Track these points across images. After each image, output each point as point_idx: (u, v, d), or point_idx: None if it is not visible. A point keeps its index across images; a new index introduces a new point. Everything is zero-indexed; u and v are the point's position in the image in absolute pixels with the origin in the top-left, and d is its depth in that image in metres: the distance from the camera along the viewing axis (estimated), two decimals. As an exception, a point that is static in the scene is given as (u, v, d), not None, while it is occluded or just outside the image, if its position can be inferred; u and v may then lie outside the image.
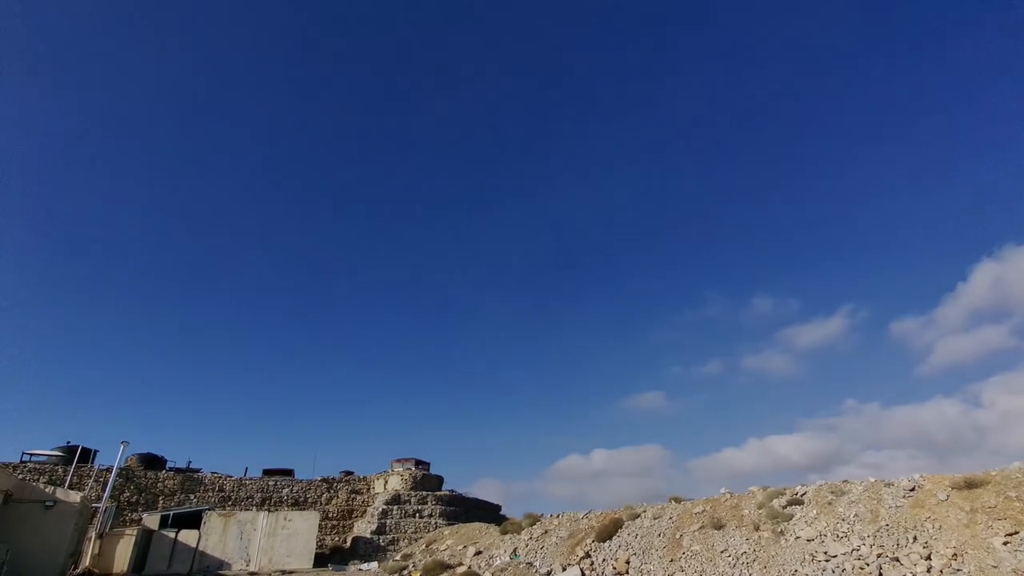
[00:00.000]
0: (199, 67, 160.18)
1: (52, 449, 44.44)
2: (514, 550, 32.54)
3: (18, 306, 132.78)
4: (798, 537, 22.33)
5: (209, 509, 37.54)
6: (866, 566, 19.77)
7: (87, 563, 32.99)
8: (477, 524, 40.86)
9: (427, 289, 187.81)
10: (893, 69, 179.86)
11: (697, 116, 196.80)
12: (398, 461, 50.28)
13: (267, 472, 48.70)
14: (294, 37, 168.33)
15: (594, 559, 27.36)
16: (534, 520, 35.46)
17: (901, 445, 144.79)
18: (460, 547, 36.54)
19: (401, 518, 44.56)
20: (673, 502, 30.22)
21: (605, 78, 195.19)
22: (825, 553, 20.85)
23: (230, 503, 44.45)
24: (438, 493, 48.12)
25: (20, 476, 36.74)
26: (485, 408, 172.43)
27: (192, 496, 44.03)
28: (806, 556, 21.14)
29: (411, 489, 47.20)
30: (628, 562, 25.64)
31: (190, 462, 48.78)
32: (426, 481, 48.89)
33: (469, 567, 32.17)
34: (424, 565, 32.78)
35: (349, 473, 52.23)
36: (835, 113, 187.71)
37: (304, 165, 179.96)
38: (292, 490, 47.34)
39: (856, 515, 22.29)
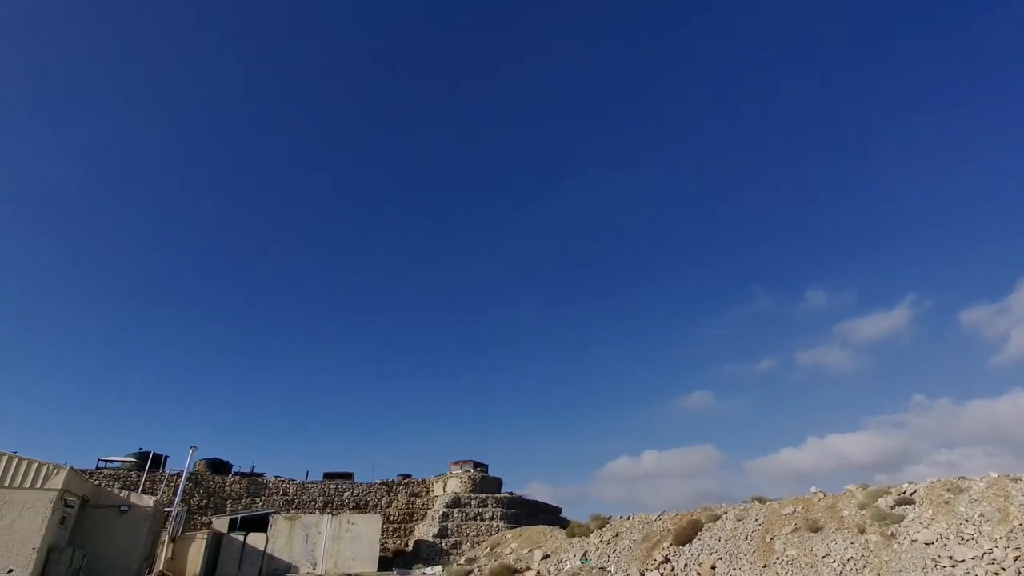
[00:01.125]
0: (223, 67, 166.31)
1: (126, 455, 45.95)
2: (584, 554, 31.00)
3: (94, 317, 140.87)
4: (913, 540, 19.88)
5: (275, 512, 37.70)
6: (1002, 571, 17.25)
7: (161, 566, 33.52)
8: (541, 527, 39.48)
9: (472, 291, 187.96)
10: (954, 44, 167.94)
11: (736, 101, 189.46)
12: (456, 463, 49.55)
13: (328, 476, 48.91)
14: (336, 41, 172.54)
15: (674, 564, 25.50)
16: (602, 522, 33.81)
17: (976, 442, 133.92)
18: (525, 551, 35.28)
19: (462, 521, 43.68)
20: (757, 502, 27.97)
21: (635, 69, 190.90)
22: (950, 558, 18.39)
23: (293, 506, 44.74)
24: (498, 495, 47.03)
25: (96, 482, 37.86)
26: (533, 410, 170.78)
27: (257, 500, 44.56)
28: (927, 561, 18.72)
29: (470, 492, 46.30)
30: (714, 567, 23.68)
31: (253, 467, 49.62)
32: (485, 483, 47.91)
33: (538, 572, 30.85)
34: (491, 570, 31.68)
35: (407, 476, 51.89)
36: (893, 86, 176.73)
37: (350, 172, 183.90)
38: (353, 493, 47.30)
39: (982, 515, 19.66)
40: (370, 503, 47.28)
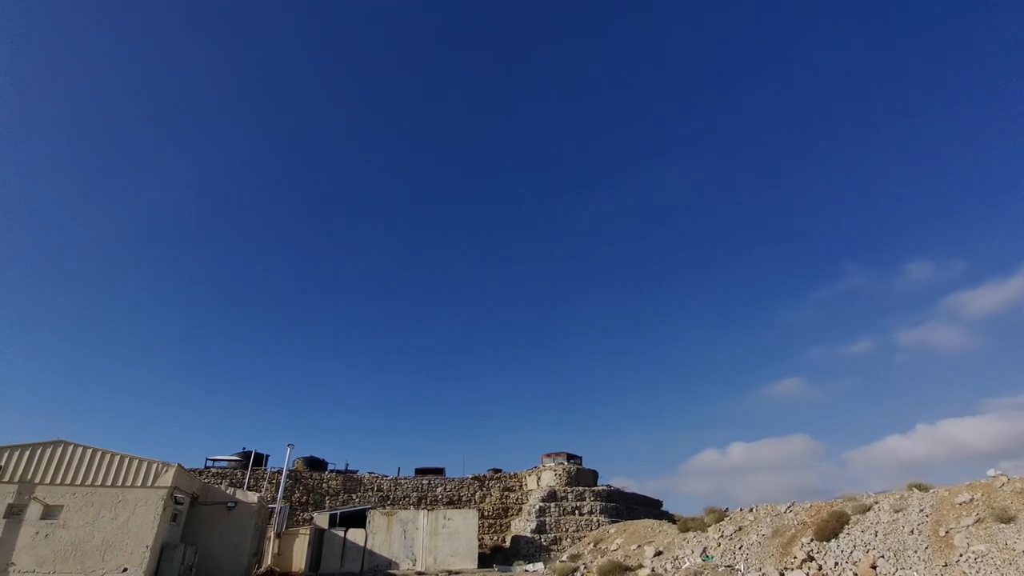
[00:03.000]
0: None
1: (231, 455, 47.67)
2: (703, 550, 27.91)
3: (197, 322, 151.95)
4: None
5: (371, 508, 37.31)
6: None
7: (269, 562, 33.87)
8: (647, 521, 36.55)
9: (544, 282, 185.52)
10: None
11: (823, 51, 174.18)
12: (548, 456, 47.54)
13: (419, 471, 48.48)
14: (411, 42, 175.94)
15: (821, 562, 21.94)
16: (720, 515, 30.48)
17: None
18: (634, 547, 32.59)
19: (560, 515, 41.57)
20: (916, 490, 23.71)
21: (711, 43, 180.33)
22: None
23: (388, 502, 44.52)
24: (595, 488, 44.55)
25: (205, 480, 39.01)
26: (614, 403, 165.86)
27: (354, 496, 44.72)
28: None
29: (566, 485, 44.13)
30: (874, 567, 19.98)
31: (347, 464, 50.16)
32: (581, 476, 45.57)
33: (653, 570, 28.11)
34: (599, 567, 29.28)
35: (498, 470, 50.56)
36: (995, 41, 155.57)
37: (427, 171, 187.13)
38: (445, 489, 46.49)
39: None
40: (463, 498, 46.27)
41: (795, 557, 22.83)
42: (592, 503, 42.61)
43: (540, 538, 39.67)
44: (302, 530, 35.82)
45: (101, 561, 23.18)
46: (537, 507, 41.71)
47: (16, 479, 23.78)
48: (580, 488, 43.80)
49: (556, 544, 39.34)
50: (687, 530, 31.21)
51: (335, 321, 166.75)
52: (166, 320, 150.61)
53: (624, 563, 29.95)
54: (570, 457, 46.97)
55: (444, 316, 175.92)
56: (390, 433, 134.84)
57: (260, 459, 47.12)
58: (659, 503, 52.08)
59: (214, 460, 46.22)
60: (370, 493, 45.32)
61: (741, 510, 30.07)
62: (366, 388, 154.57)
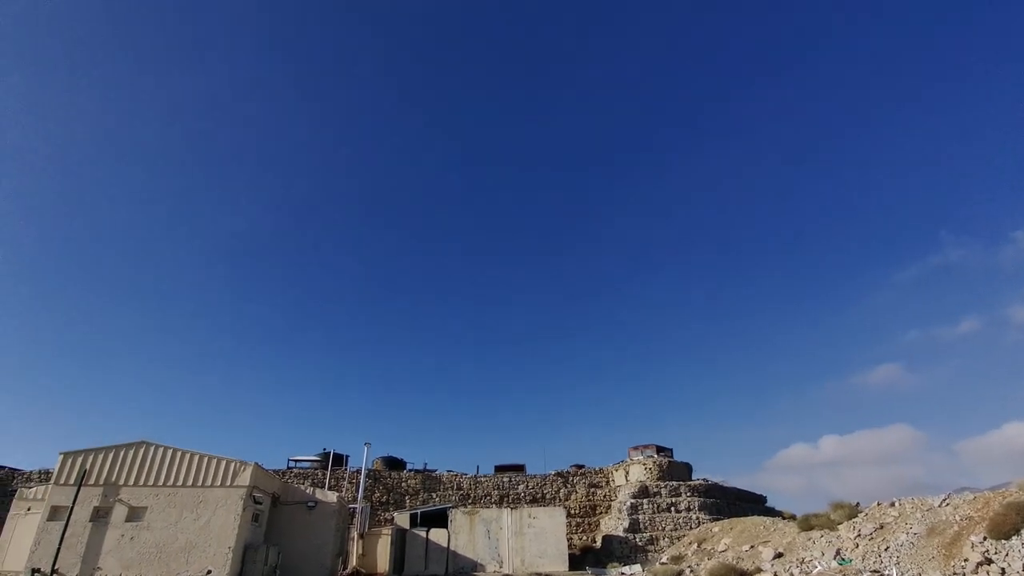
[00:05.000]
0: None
1: (312, 455, 47.69)
2: (836, 552, 23.86)
3: (278, 327, 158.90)
4: None
5: (452, 507, 35.58)
6: None
7: (354, 563, 32.89)
8: (757, 519, 32.56)
9: (618, 270, 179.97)
10: None
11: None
12: (636, 449, 44.17)
13: (499, 468, 46.51)
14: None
15: (1003, 565, 17.61)
16: (851, 511, 26.15)
17: None
18: (745, 548, 28.83)
19: (654, 513, 38.17)
20: None
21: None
22: None
23: (469, 501, 42.79)
24: (691, 483, 40.73)
25: (288, 480, 38.77)
26: (690, 396, 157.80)
27: (434, 495, 43.35)
28: None
29: (658, 479, 40.63)
30: (1090, 573, 15.56)
31: (425, 463, 49.04)
32: (673, 470, 41.88)
33: (775, 574, 24.39)
34: (710, 570, 25.83)
35: (580, 466, 47.71)
36: None
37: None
38: (527, 486, 44.21)
39: None
40: (547, 496, 43.79)
41: (966, 560, 18.56)
42: (689, 499, 38.88)
43: (634, 538, 36.45)
44: (384, 530, 34.66)
45: (185, 564, 22.55)
46: (628, 504, 38.52)
47: (101, 482, 23.65)
48: (674, 483, 40.16)
49: (652, 544, 36.01)
50: (810, 528, 27.17)
51: (408, 319, 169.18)
52: (249, 326, 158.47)
53: (737, 566, 26.35)
54: (660, 450, 43.38)
55: (516, 308, 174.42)
56: (466, 431, 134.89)
57: (340, 459, 46.83)
58: (763, 499, 47.35)
59: (296, 461, 46.33)
60: (450, 492, 43.80)
61: (879, 504, 25.63)
62: (441, 386, 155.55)
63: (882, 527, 23.59)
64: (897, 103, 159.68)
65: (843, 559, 22.99)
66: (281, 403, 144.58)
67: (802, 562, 24.46)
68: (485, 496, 43.53)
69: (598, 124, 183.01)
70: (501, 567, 32.45)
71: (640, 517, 37.76)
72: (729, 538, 31.20)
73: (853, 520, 25.34)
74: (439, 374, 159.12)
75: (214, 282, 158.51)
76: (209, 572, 22.28)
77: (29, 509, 25.98)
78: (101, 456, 24.05)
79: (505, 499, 43.34)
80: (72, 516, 22.49)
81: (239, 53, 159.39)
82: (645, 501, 38.77)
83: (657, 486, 39.79)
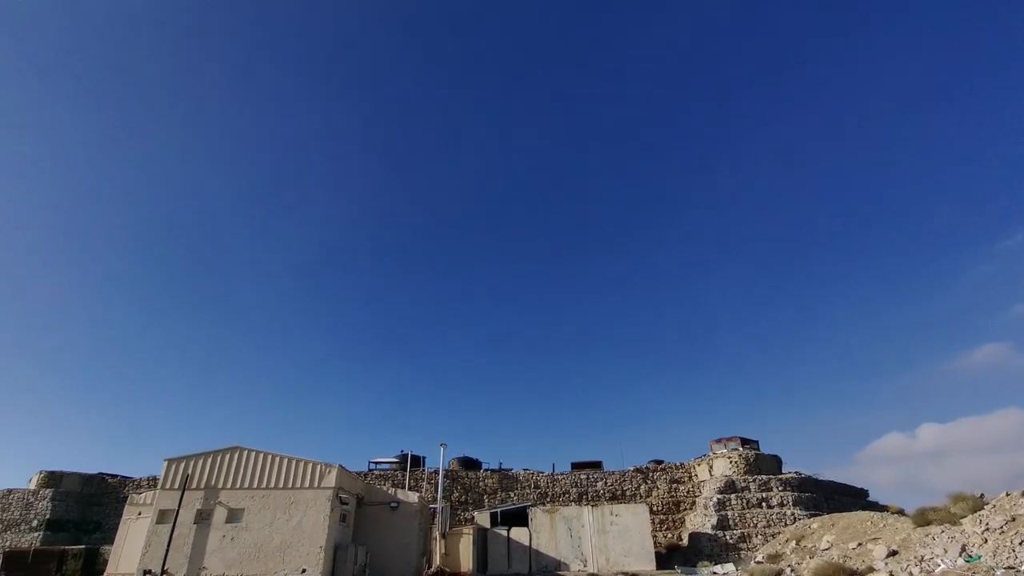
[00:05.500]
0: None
1: (391, 457, 48.86)
2: (962, 549, 21.47)
3: (363, 337, 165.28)
4: None
5: (531, 506, 35.24)
6: None
7: (438, 562, 33.21)
8: (862, 514, 30.07)
9: (690, 257, 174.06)
10: None
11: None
12: (719, 442, 42.12)
13: (575, 466, 45.75)
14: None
15: None
16: (976, 503, 23.51)
17: None
18: (852, 545, 26.62)
19: (743, 509, 36.18)
20: None
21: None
22: None
23: (547, 499, 42.32)
24: (782, 476, 38.33)
25: (369, 482, 39.75)
26: (770, 384, 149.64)
27: (511, 494, 43.21)
28: None
29: (745, 474, 38.51)
30: None
31: (500, 463, 49.04)
32: (761, 463, 39.58)
33: (891, 574, 22.28)
34: (814, 570, 24.00)
35: (660, 461, 46.14)
36: None
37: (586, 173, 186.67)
38: (606, 483, 43.20)
39: None
40: (626, 492, 42.60)
41: None
42: (781, 494, 36.56)
43: (724, 535, 34.68)
44: (464, 530, 34.81)
45: (281, 562, 23.40)
46: (714, 500, 36.72)
47: (202, 485, 24.98)
48: (763, 477, 37.91)
49: (744, 542, 34.11)
50: (927, 523, 24.69)
51: (469, 322, 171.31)
52: (329, 332, 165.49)
53: (845, 565, 24.35)
54: (744, 442, 41.12)
55: (579, 303, 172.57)
56: (539, 429, 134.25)
57: (417, 460, 47.67)
58: (864, 492, 43.93)
59: (376, 463, 47.57)
60: (527, 490, 43.51)
61: (1009, 494, 22.90)
62: (511, 385, 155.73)
63: (1014, 519, 21.00)
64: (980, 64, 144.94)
65: (970, 556, 20.64)
66: (360, 407, 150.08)
67: (921, 560, 22.21)
68: (563, 494, 42.92)
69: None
70: (585, 566, 31.75)
71: (728, 513, 35.88)
72: (831, 535, 28.96)
73: (978, 513, 22.76)
74: (508, 372, 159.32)
75: (294, 295, 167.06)
76: (304, 571, 23.01)
77: (139, 514, 27.91)
78: (201, 461, 25.43)
79: (584, 496, 42.55)
80: (178, 519, 23.88)
81: (291, 65, 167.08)
82: (733, 496, 36.81)
83: (745, 480, 37.70)
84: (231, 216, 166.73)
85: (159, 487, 25.20)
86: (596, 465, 45.25)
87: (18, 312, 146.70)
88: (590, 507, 33.47)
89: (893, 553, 23.87)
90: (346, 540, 26.89)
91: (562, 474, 44.38)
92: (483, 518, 34.46)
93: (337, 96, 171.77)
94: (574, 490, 43.01)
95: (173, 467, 25.32)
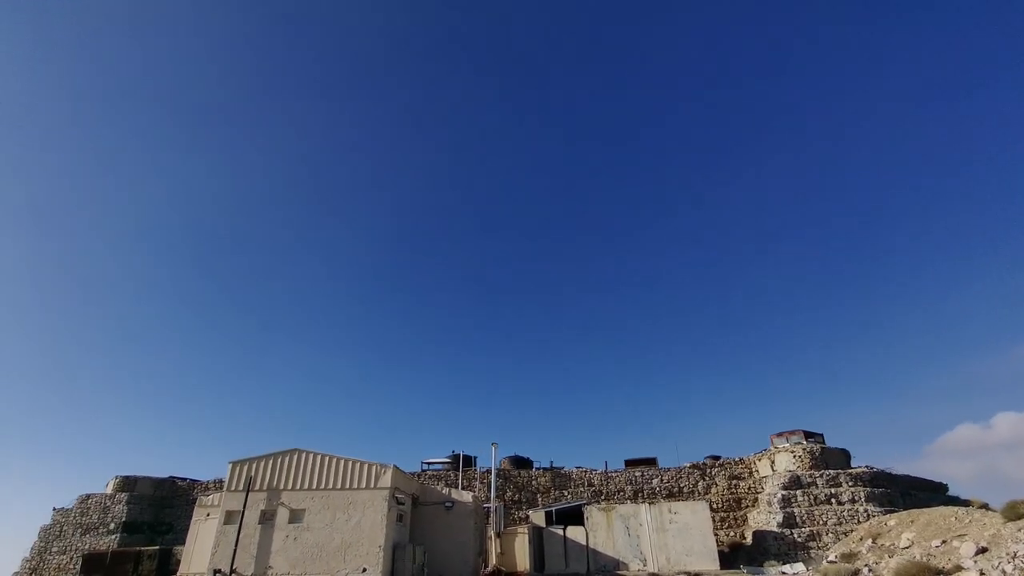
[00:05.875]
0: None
1: (443, 457, 49.19)
2: (1066, 546, 19.63)
3: (416, 339, 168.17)
4: None
5: (587, 504, 34.65)
6: None
7: (494, 561, 33.10)
8: (945, 509, 28.08)
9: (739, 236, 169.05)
10: None
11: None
12: (780, 436, 40.34)
13: (629, 463, 44.78)
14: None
15: None
16: (1080, 496, 21.52)
17: None
18: (936, 543, 24.83)
19: (811, 505, 34.47)
20: None
21: None
22: None
23: (602, 497, 41.58)
24: (852, 471, 36.31)
25: (422, 482, 40.08)
26: (836, 377, 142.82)
27: (565, 492, 42.69)
28: None
29: (811, 468, 36.68)
30: None
31: (552, 462, 48.59)
32: (828, 457, 37.61)
33: (982, 572, 20.61)
34: (897, 569, 22.49)
35: (716, 457, 44.61)
36: None
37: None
38: (662, 480, 42.08)
39: None
40: (683, 489, 41.37)
41: None
42: (852, 489, 34.64)
43: (791, 533, 33.12)
44: (519, 529, 34.58)
45: (343, 562, 23.74)
46: (779, 496, 35.13)
47: (265, 487, 25.64)
48: (831, 472, 36.01)
49: (814, 540, 32.48)
50: (1019, 517, 22.77)
51: (517, 322, 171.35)
52: (380, 336, 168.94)
53: (929, 564, 22.71)
54: (808, 435, 39.19)
55: (626, 298, 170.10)
56: (589, 427, 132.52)
57: (469, 460, 47.81)
58: (943, 486, 41.19)
59: (428, 463, 47.97)
60: (580, 488, 42.90)
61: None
62: (560, 384, 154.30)
63: None
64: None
65: (1079, 555, 18.82)
66: (410, 409, 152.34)
67: (1014, 557, 20.45)
68: (618, 492, 42.08)
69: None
70: (645, 565, 30.92)
71: (795, 510, 34.24)
72: (911, 532, 27.15)
73: (1084, 507, 20.80)
74: (555, 371, 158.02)
75: (344, 301, 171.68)
76: (365, 570, 23.26)
77: (208, 515, 28.96)
78: (262, 464, 26.12)
79: (639, 494, 41.58)
80: (243, 519, 24.59)
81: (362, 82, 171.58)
82: (799, 492, 35.12)
83: (811, 476, 35.90)
84: (284, 227, 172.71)
85: (225, 489, 26.00)
86: (650, 462, 44.17)
87: (90, 326, 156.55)
88: (647, 505, 32.59)
89: (983, 550, 22.11)
90: (404, 540, 27.09)
91: (615, 471, 43.53)
92: (538, 517, 34.10)
93: (375, 99, 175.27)
94: (629, 488, 42.10)
95: (237, 469, 26.10)
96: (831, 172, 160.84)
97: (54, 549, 42.60)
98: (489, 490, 38.65)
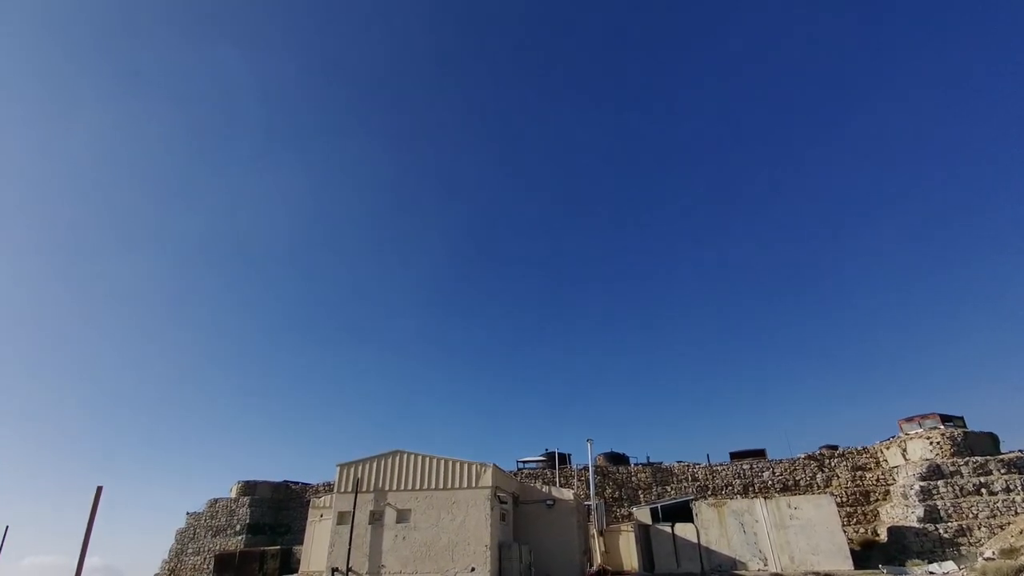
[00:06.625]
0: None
1: (537, 456, 48.82)
2: None
3: (506, 336, 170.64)
4: None
5: (694, 500, 32.80)
6: None
7: (599, 560, 32.16)
8: None
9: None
10: None
11: None
12: (911, 420, 36.22)
13: (735, 455, 42.13)
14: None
15: None
16: None
17: None
18: None
19: (956, 497, 30.58)
20: None
21: None
22: None
23: (708, 492, 39.36)
24: (1002, 457, 31.87)
25: (519, 480, 39.81)
26: (969, 350, 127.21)
27: (667, 488, 40.87)
28: None
29: (952, 456, 32.58)
30: None
31: (649, 457, 46.83)
32: (973, 443, 33.26)
33: None
34: (1083, 568, 19.22)
35: (833, 447, 40.92)
36: None
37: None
38: (774, 473, 39.17)
39: None
40: (799, 482, 38.25)
41: None
42: (1006, 478, 30.33)
43: (935, 528, 29.51)
44: (622, 526, 33.39)
45: (451, 561, 23.79)
46: (916, 488, 31.45)
47: (371, 488, 26.29)
48: (977, 459, 31.77)
49: (964, 535, 28.74)
50: None
51: (610, 317, 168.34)
52: (475, 333, 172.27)
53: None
54: (945, 419, 34.84)
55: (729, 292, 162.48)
56: (684, 419, 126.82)
57: (563, 458, 47.12)
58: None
59: (523, 462, 47.75)
60: (684, 484, 40.87)
61: None
62: (653, 378, 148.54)
63: None
64: None
65: None
66: (497, 410, 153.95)
67: None
68: (725, 486, 39.66)
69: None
70: (766, 564, 28.69)
71: (937, 503, 30.48)
72: (1092, 525, 23.22)
73: None
74: (652, 363, 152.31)
75: (425, 307, 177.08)
76: (473, 569, 23.15)
77: (321, 516, 30.23)
78: (367, 466, 26.83)
79: (749, 488, 38.95)
80: (355, 520, 25.33)
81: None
82: (940, 483, 31.26)
83: (954, 464, 31.84)
84: (374, 229, 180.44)
85: (335, 491, 26.95)
86: (759, 454, 41.29)
87: (211, 345, 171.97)
88: (763, 500, 30.28)
89: None
90: (508, 539, 26.81)
91: (721, 465, 41.08)
92: (643, 514, 32.73)
93: (454, 101, 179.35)
94: (737, 482, 39.55)
95: (344, 472, 26.98)
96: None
97: (189, 550, 46.52)
98: (588, 487, 37.72)
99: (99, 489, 15.64)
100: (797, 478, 38.50)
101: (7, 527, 28.29)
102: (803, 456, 39.29)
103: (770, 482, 38.88)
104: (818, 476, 38.07)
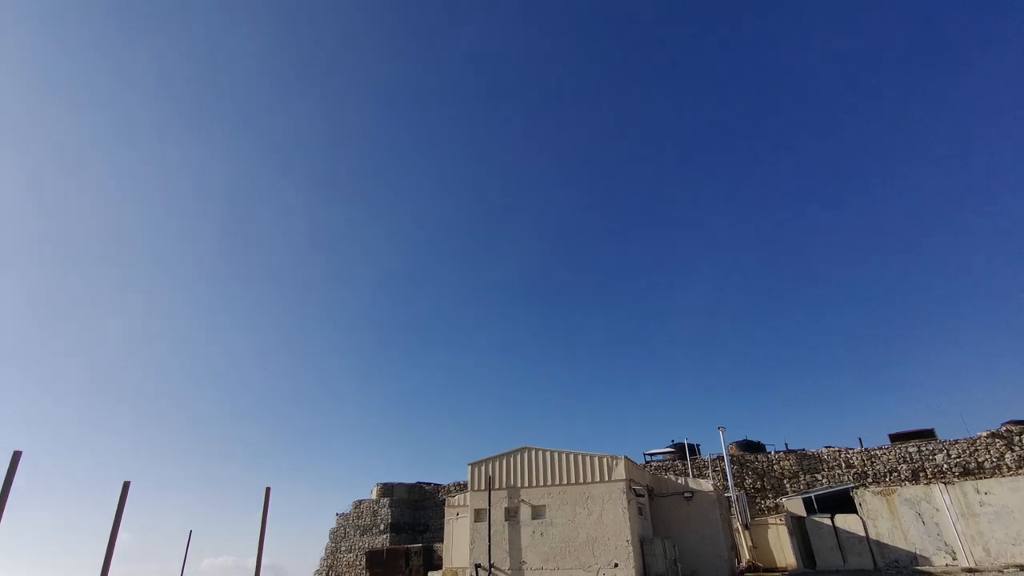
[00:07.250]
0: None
1: (664, 448, 46.85)
2: None
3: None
4: None
5: (853, 488, 29.45)
6: None
7: (746, 555, 29.91)
8: None
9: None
10: None
11: None
12: None
13: (895, 437, 37.29)
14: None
15: None
16: None
17: None
18: None
19: None
20: None
21: None
22: None
23: (868, 479, 35.16)
24: None
25: (652, 472, 38.33)
26: None
27: (817, 476, 37.12)
28: None
29: None
30: None
31: (787, 444, 43.00)
32: None
33: None
34: None
35: (1019, 422, 34.78)
36: None
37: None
38: (948, 455, 34.08)
39: None
40: (984, 465, 32.89)
41: None
42: None
43: None
44: (770, 519, 30.75)
45: (592, 556, 23.22)
46: None
47: (504, 485, 26.47)
48: None
49: None
50: None
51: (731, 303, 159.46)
52: (597, 327, 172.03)
53: None
54: None
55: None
56: (824, 401, 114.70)
57: (692, 449, 44.76)
58: None
59: (651, 454, 46.03)
60: (837, 471, 36.87)
61: None
62: (787, 357, 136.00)
63: None
64: None
65: None
66: (632, 400, 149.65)
67: None
68: (889, 472, 35.18)
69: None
70: (954, 559, 24.92)
71: None
72: None
73: None
74: (783, 339, 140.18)
75: (516, 311, 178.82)
76: (616, 565, 22.40)
77: (457, 514, 31.06)
78: (497, 463, 27.07)
79: (920, 474, 34.21)
80: (491, 517, 25.63)
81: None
82: None
83: None
84: (468, 237, 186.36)
85: (469, 489, 27.49)
86: (927, 434, 36.16)
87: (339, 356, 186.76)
88: (942, 486, 26.40)
89: None
90: (648, 533, 25.72)
91: (881, 448, 36.50)
92: (794, 505, 29.99)
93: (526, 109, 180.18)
94: (904, 466, 34.89)
95: (476, 470, 27.43)
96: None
97: (343, 548, 50.23)
98: (724, 478, 35.32)
99: (267, 490, 16.95)
100: (981, 460, 33.16)
101: (191, 532, 32.20)
102: (984, 434, 33.75)
103: (945, 466, 33.87)
104: (1007, 456, 32.51)
